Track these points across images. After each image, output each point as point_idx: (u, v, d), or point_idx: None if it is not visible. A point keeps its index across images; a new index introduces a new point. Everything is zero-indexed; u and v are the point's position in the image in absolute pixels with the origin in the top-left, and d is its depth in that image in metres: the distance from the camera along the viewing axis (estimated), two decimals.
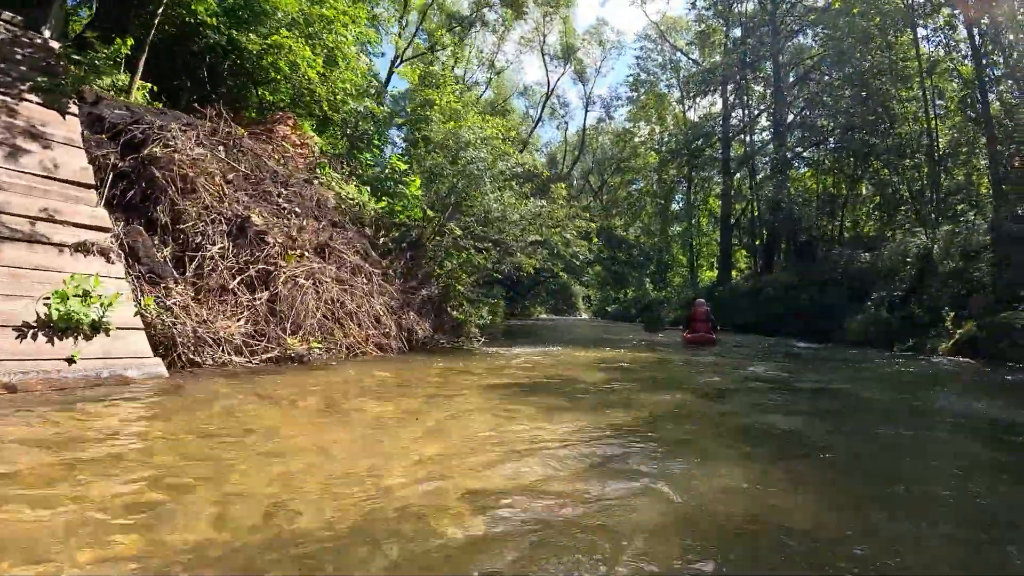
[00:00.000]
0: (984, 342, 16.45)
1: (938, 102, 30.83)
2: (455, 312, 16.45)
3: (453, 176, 16.92)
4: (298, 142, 15.86)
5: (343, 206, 14.67)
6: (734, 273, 44.29)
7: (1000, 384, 11.53)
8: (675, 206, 54.35)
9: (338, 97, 17.54)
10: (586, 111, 59.58)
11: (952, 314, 18.54)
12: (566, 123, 62.58)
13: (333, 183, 14.93)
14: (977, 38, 26.27)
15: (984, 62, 26.33)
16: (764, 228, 37.61)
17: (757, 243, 40.63)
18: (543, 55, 52.55)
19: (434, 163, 17.32)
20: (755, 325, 29.57)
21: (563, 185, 32.81)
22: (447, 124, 18.22)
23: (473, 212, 16.57)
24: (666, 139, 50.27)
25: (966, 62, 29.93)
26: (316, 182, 14.54)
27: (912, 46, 29.77)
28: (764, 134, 42.12)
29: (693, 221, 52.04)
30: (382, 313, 12.81)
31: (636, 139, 54.72)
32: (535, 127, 55.19)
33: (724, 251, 42.84)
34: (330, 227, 13.29)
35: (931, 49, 29.80)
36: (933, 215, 26.74)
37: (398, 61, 35.88)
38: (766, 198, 35.73)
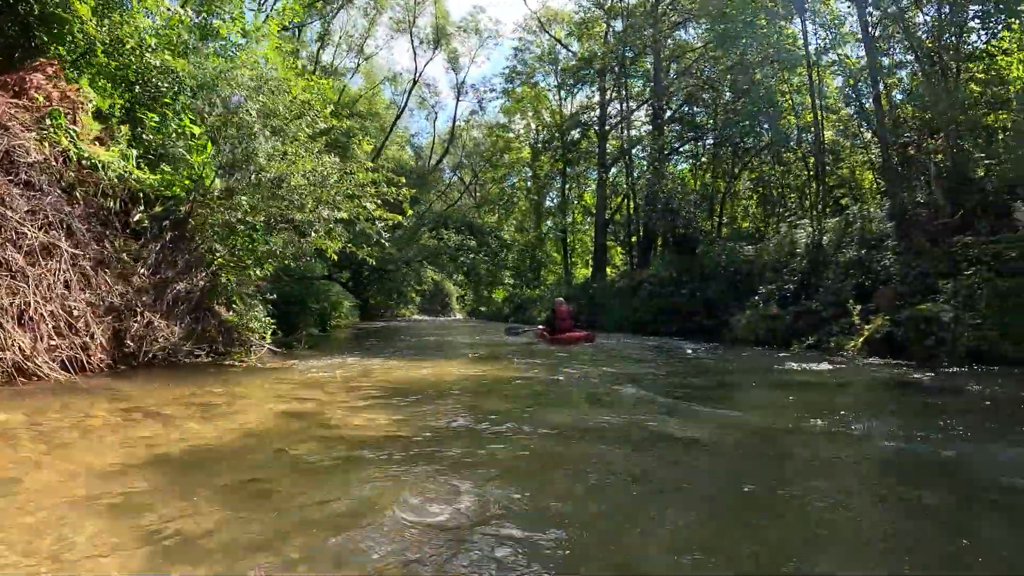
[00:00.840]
0: (903, 338, 13.63)
1: (826, 93, 28.92)
2: (229, 313, 12.23)
3: (223, 128, 12.55)
4: (57, 95, 11.23)
5: (71, 170, 10.11)
6: (610, 271, 41.62)
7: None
8: (549, 202, 51.38)
9: (127, 45, 12.79)
10: (457, 101, 55.28)
11: (858, 307, 15.79)
12: (435, 113, 58.26)
13: (63, 138, 10.27)
14: (871, 27, 24.20)
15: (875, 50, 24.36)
16: (640, 223, 34.89)
17: (633, 239, 38.03)
18: (412, 37, 48.36)
19: (216, 119, 12.87)
20: (633, 324, 26.57)
21: (366, 140, 28.89)
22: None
23: (259, 181, 12.20)
24: (542, 133, 46.90)
25: (852, 56, 28.19)
26: (34, 133, 9.91)
27: (800, 35, 27.52)
28: (643, 129, 39.53)
29: (568, 217, 49.27)
30: (80, 313, 8.46)
31: (510, 133, 51.29)
32: (399, 115, 50.70)
33: (599, 247, 39.99)
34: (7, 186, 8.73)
35: (818, 40, 27.66)
36: (819, 206, 24.45)
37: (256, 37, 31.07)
38: (643, 190, 33.03)
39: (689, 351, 16.07)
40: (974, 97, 20.32)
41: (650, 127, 36.12)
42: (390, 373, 10.76)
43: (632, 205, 37.75)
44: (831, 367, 12.20)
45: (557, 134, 43.47)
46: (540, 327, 21.08)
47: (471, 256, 34.07)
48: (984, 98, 20.19)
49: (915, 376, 10.92)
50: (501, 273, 51.67)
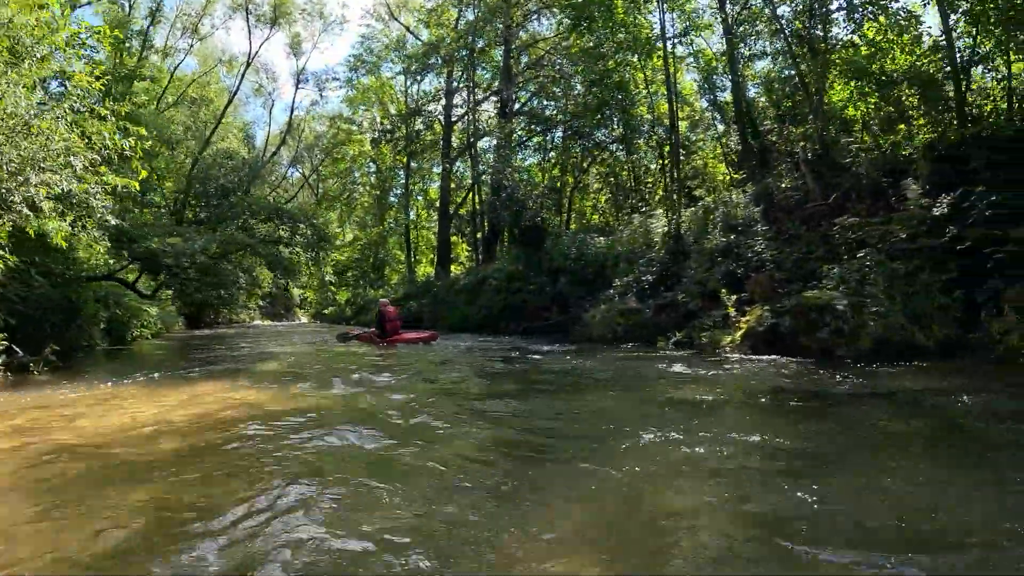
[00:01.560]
0: (789, 330, 11.15)
1: (681, 86, 27.12)
2: None
3: None
4: None
5: None
6: (455, 268, 38.44)
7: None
8: (393, 198, 47.41)
9: None
10: (296, 88, 49.77)
11: (734, 297, 13.35)
12: (272, 101, 52.79)
13: None
14: (730, 18, 22.36)
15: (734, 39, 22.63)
16: (486, 217, 31.91)
17: (479, 235, 35.06)
18: (247, 14, 43.16)
19: None
20: (479, 322, 23.46)
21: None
22: None
23: None
24: (385, 124, 42.74)
25: (710, 48, 26.51)
26: None
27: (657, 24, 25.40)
28: (490, 120, 36.58)
29: (412, 214, 45.72)
30: None
31: (353, 125, 46.94)
32: (230, 100, 45.04)
33: (442, 242, 36.72)
34: None
35: (675, 30, 25.60)
36: (674, 196, 22.28)
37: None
38: (488, 179, 30.11)
39: (538, 355, 12.97)
40: (838, 85, 18.83)
41: (497, 116, 33.19)
42: (120, 412, 6.97)
43: (478, 199, 34.78)
44: (707, 371, 9.55)
45: (400, 124, 39.68)
46: (368, 330, 18.90)
47: (282, 247, 29.59)
48: (849, 86, 18.65)
49: (819, 375, 8.37)
50: (321, 268, 46.97)
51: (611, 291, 18.75)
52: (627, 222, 25.11)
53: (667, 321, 15.33)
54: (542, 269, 22.83)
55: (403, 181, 44.12)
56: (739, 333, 12.26)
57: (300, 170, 56.74)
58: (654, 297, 16.89)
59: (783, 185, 17.83)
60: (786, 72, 23.04)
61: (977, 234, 10.83)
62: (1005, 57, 14.22)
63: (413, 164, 42.10)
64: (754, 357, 10.97)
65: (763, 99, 25.04)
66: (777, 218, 16.85)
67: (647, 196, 29.55)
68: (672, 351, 13.14)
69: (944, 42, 15.14)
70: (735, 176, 23.70)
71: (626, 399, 7.22)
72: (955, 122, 14.51)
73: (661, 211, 23.38)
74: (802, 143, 18.92)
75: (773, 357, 10.75)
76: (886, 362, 9.43)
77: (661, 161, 28.04)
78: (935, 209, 11.71)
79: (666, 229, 20.01)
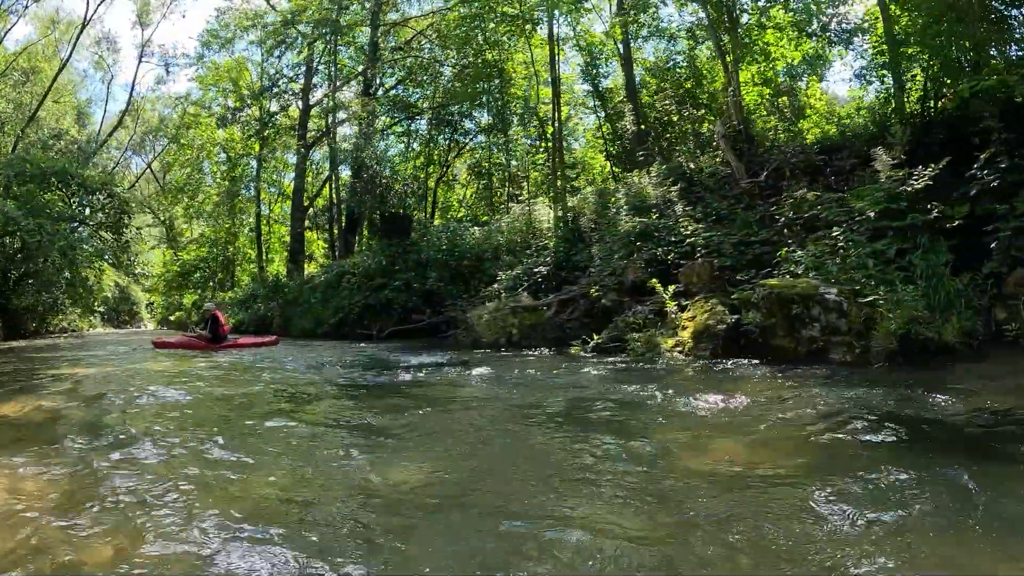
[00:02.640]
0: (760, 328, 7.85)
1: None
2: None
3: None
4: None
5: None
6: (310, 267, 33.60)
7: None
8: (245, 190, 41.47)
9: None
10: (140, 60, 42.73)
11: (671, 289, 10.01)
12: (112, 75, 45.32)
13: None
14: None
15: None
16: (344, 205, 27.45)
17: (335, 231, 30.58)
18: None
19: None
20: (335, 327, 19.10)
21: None
22: None
23: None
24: (236, 104, 36.73)
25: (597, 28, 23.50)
26: None
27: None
28: (353, 102, 31.92)
29: (264, 207, 40.12)
30: None
31: (202, 108, 40.62)
32: (62, 67, 37.67)
33: (295, 237, 31.66)
34: None
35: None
36: (559, 181, 18.94)
37: None
38: (348, 164, 25.80)
39: (417, 371, 8.96)
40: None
41: (360, 96, 28.68)
42: None
43: (335, 188, 30.17)
44: (688, 395, 6.20)
45: (252, 101, 34.20)
46: (192, 335, 16.45)
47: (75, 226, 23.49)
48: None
49: (896, 393, 5.08)
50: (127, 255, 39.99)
51: (496, 286, 15.14)
52: (504, 212, 21.64)
53: (576, 320, 11.97)
54: (409, 263, 18.89)
55: (255, 171, 38.36)
56: (686, 333, 8.90)
57: (143, 158, 49.68)
58: (551, 292, 13.43)
59: (693, 166, 14.89)
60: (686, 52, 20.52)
61: (983, 208, 8.10)
62: None
63: (265, 152, 36.65)
64: (719, 364, 7.60)
65: (654, 82, 22.23)
66: (699, 198, 13.88)
67: (522, 187, 26.26)
68: (595, 358, 9.58)
69: None
70: (616, 169, 20.82)
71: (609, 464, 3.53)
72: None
73: (544, 199, 20.03)
74: (718, 120, 16.10)
75: (742, 361, 7.50)
76: (907, 364, 6.60)
77: (540, 147, 24.79)
78: (915, 181, 8.80)
79: (556, 215, 16.66)
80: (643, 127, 19.66)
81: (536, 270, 14.79)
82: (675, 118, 19.19)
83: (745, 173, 13.51)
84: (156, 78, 60.83)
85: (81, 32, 37.75)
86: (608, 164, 23.92)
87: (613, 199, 16.21)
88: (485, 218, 23.00)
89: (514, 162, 27.25)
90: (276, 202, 42.20)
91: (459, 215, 28.91)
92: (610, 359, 9.21)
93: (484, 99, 25.59)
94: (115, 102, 64.81)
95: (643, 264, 12.49)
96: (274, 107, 34.14)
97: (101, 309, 50.60)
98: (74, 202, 24.72)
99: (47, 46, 40.65)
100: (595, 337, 10.72)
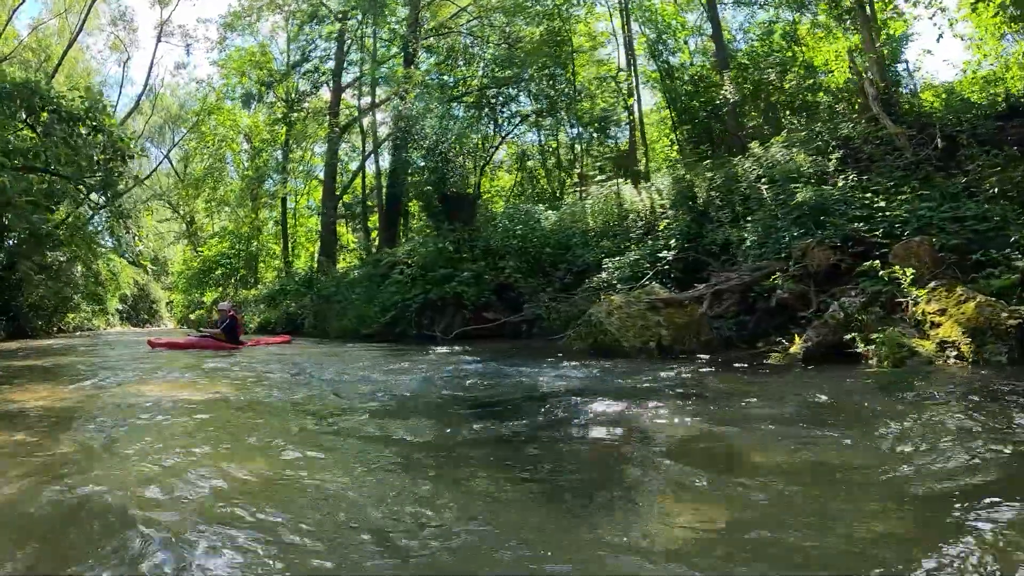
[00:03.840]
0: None
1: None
2: None
3: None
4: None
5: None
6: (343, 262, 30.16)
7: None
8: (270, 182, 38.03)
9: None
10: (159, 40, 39.35)
11: (909, 274, 6.60)
12: (129, 55, 41.58)
13: None
14: None
15: None
16: (383, 191, 23.99)
17: (369, 222, 27.21)
18: None
19: None
20: (385, 327, 15.60)
21: None
22: None
23: None
24: (263, 78, 33.03)
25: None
26: None
27: None
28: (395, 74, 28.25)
29: (290, 200, 36.69)
30: None
31: (224, 94, 37.26)
32: (71, 43, 34.36)
33: (327, 227, 28.03)
34: None
35: None
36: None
37: None
38: (390, 143, 22.35)
39: (593, 401, 5.51)
40: None
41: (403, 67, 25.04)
42: None
43: (375, 169, 26.67)
44: None
45: (281, 78, 30.71)
46: (205, 334, 14.45)
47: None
48: None
49: None
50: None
51: (604, 276, 11.71)
52: (579, 195, 18.15)
53: (733, 318, 8.79)
54: (477, 252, 15.42)
55: (280, 160, 34.86)
56: (946, 330, 5.86)
57: (161, 150, 46.43)
58: (679, 282, 10.05)
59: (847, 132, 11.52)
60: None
61: None
62: None
63: (294, 136, 33.22)
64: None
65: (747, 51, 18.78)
66: (865, 169, 10.59)
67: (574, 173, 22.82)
68: (816, 371, 6.15)
69: None
70: (690, 150, 17.34)
71: None
72: None
73: (620, 182, 16.48)
74: (865, 80, 12.67)
75: None
76: None
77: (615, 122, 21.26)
78: None
79: (663, 188, 13.23)
80: (741, 97, 16.24)
81: (661, 255, 11.31)
82: (777, 88, 15.69)
83: (907, 141, 10.58)
84: (176, 63, 57.13)
85: (93, 2, 34.32)
86: (675, 147, 20.51)
87: (741, 171, 12.74)
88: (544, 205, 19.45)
89: (577, 145, 23.77)
90: (303, 194, 38.82)
91: (498, 207, 25.42)
92: (838, 370, 5.87)
93: (548, 71, 22.20)
94: (132, 85, 61.27)
95: (830, 245, 9.15)
96: (304, 86, 30.66)
97: (119, 307, 48.06)
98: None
99: (61, 29, 37.52)
100: (796, 341, 7.28)
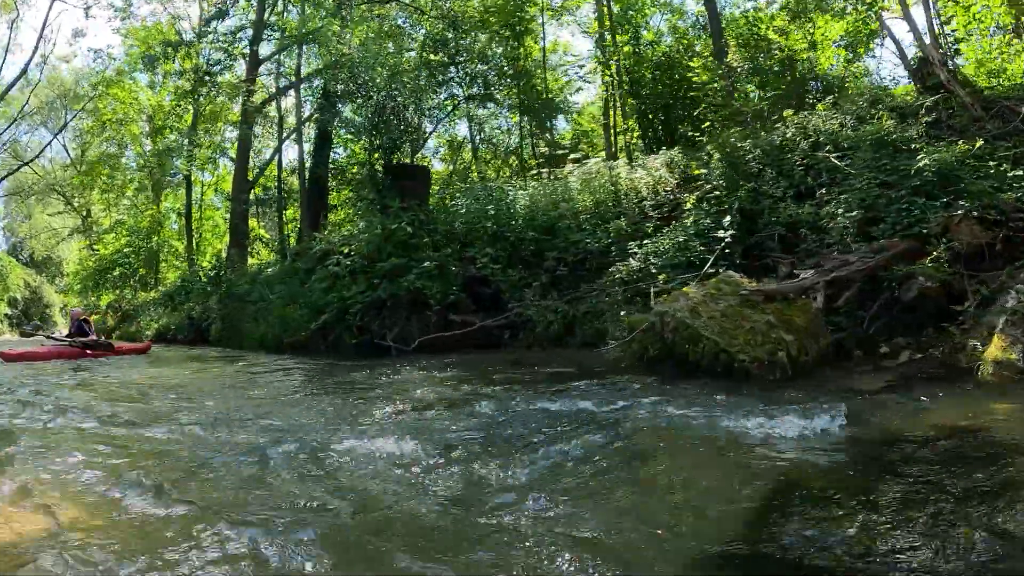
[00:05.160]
0: None
1: None
2: None
3: None
4: None
5: None
6: (256, 258, 25.93)
7: None
8: (175, 168, 32.94)
9: None
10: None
11: None
12: (19, 13, 34.77)
13: None
14: None
15: None
16: (307, 173, 19.98)
17: (289, 211, 23.20)
18: None
19: None
20: (315, 334, 11.80)
21: None
22: None
23: None
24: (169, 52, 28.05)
25: None
26: None
27: None
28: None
29: (195, 189, 31.87)
30: None
31: (123, 68, 32.01)
32: None
33: (238, 214, 23.27)
34: None
35: None
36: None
37: None
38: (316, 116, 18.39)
39: None
40: None
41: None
42: None
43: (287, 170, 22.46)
44: None
45: (187, 45, 25.96)
46: (57, 341, 12.74)
47: None
48: None
49: None
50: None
51: (633, 262, 8.51)
52: (549, 176, 14.82)
53: (849, 315, 6.51)
54: (437, 238, 11.80)
55: (186, 144, 29.83)
56: None
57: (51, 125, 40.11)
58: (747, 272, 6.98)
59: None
60: None
61: None
62: None
63: (201, 125, 28.52)
64: None
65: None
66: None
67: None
68: None
69: None
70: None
71: None
72: None
73: (609, 160, 13.34)
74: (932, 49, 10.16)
75: None
76: None
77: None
78: None
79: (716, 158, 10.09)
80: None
81: (718, 235, 8.11)
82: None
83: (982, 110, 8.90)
84: (74, 30, 50.96)
85: None
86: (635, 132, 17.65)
87: (782, 140, 9.76)
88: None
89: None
90: (211, 185, 33.93)
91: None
92: None
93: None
94: (23, 51, 54.47)
95: (978, 219, 6.56)
96: (216, 52, 26.06)
97: (8, 311, 43.56)
98: None
99: None
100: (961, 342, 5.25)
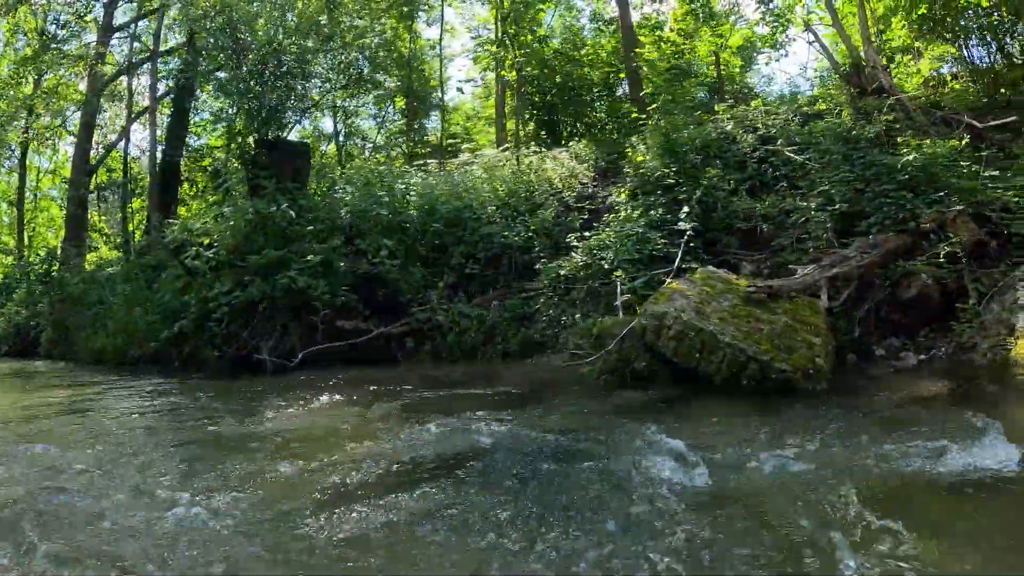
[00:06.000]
0: None
1: None
2: None
3: None
4: None
5: None
6: (96, 254, 22.50)
7: None
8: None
9: None
10: None
11: None
12: None
13: None
14: None
15: None
16: (161, 154, 17.29)
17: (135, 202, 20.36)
18: None
19: None
20: (174, 346, 9.57)
21: None
22: None
23: None
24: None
25: None
26: None
27: None
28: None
29: (30, 175, 27.69)
30: None
31: None
32: None
33: (76, 201, 19.69)
34: None
35: None
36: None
37: None
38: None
39: None
40: None
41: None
42: None
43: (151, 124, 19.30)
44: None
45: (28, 7, 22.04)
46: None
47: None
48: None
49: None
50: None
51: (578, 257, 7.10)
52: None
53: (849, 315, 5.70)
54: (320, 229, 9.82)
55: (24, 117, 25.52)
56: None
57: None
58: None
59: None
60: None
61: None
62: None
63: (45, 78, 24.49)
64: None
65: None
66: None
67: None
68: None
69: None
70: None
71: None
72: None
73: (509, 150, 12.06)
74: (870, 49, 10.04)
75: None
76: None
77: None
78: None
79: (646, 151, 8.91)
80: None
81: (678, 227, 6.85)
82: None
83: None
84: None
85: None
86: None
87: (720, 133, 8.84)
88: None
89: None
90: (48, 172, 29.60)
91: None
92: None
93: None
94: None
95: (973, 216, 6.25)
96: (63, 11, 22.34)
97: None
98: None
99: None
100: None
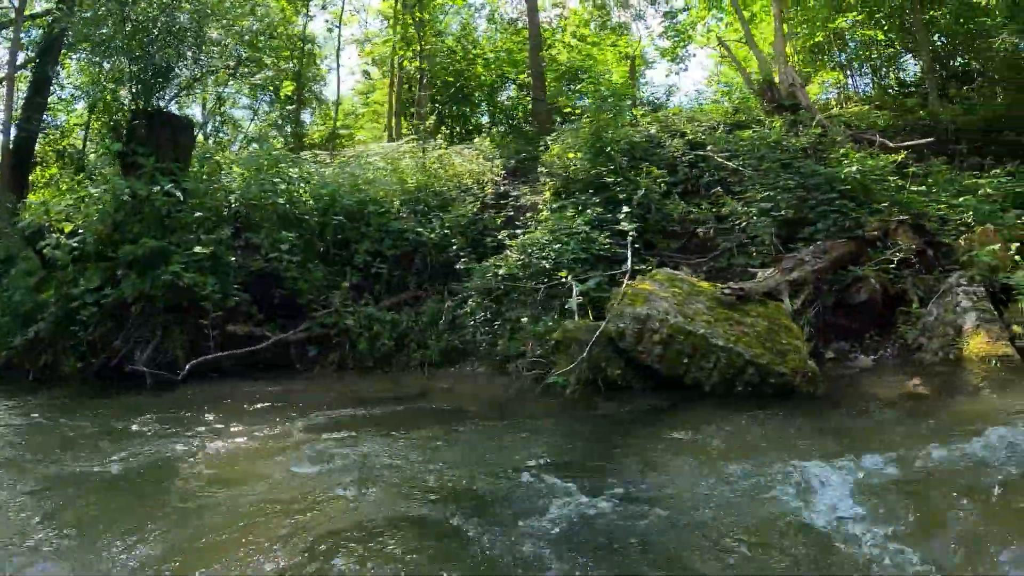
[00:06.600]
0: None
1: None
2: None
3: None
4: None
5: None
6: None
7: None
8: None
9: None
10: None
11: None
12: None
13: None
14: None
15: None
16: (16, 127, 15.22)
17: None
18: None
19: None
20: (31, 353, 8.07)
21: None
22: None
23: None
24: None
25: None
26: None
27: None
28: None
29: None
30: None
31: None
32: None
33: None
34: None
35: None
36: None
37: None
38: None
39: None
40: None
41: None
42: None
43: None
44: None
45: None
46: None
47: None
48: None
49: None
50: None
51: (513, 254, 6.66)
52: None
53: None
54: (206, 218, 8.67)
55: None
56: None
57: None
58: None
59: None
60: None
61: None
62: None
63: None
64: None
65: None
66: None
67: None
68: None
69: None
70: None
71: None
72: None
73: (412, 142, 11.44)
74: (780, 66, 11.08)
75: None
76: None
77: None
78: None
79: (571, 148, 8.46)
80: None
81: (624, 227, 6.45)
82: None
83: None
84: None
85: None
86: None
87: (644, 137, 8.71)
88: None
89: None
90: None
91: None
92: None
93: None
94: None
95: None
96: None
97: None
98: None
99: None
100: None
